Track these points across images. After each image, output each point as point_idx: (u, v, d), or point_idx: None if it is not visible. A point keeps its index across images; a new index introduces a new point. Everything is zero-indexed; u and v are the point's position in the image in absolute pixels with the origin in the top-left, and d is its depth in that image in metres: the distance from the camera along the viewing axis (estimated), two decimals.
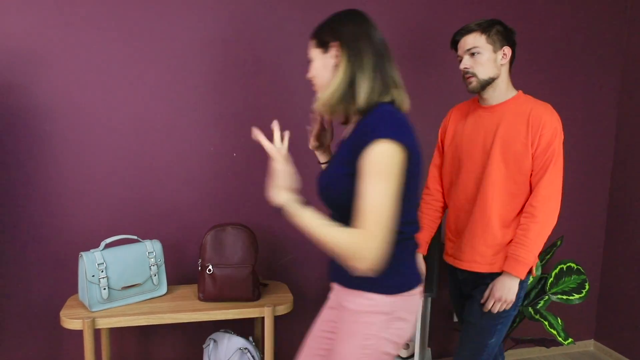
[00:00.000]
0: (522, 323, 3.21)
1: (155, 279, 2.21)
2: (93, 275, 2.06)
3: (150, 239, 2.51)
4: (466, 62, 1.87)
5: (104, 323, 2.05)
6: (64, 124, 2.35)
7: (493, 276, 1.93)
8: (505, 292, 1.86)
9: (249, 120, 2.55)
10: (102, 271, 2.07)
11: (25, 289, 2.40)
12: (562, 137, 1.88)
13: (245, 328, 2.70)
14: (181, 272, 2.58)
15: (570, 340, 2.45)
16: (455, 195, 2.01)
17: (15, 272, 2.38)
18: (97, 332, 2.58)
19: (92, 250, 2.10)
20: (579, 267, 2.79)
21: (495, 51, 1.84)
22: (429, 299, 2.62)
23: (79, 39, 2.32)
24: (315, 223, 1.33)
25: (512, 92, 1.90)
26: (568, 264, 2.79)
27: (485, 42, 1.83)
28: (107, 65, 2.36)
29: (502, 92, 1.89)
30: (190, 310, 2.15)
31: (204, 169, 2.54)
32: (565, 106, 3.04)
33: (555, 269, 2.78)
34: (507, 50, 1.84)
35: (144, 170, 2.46)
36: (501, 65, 1.85)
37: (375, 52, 1.37)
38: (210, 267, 2.22)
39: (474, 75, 1.86)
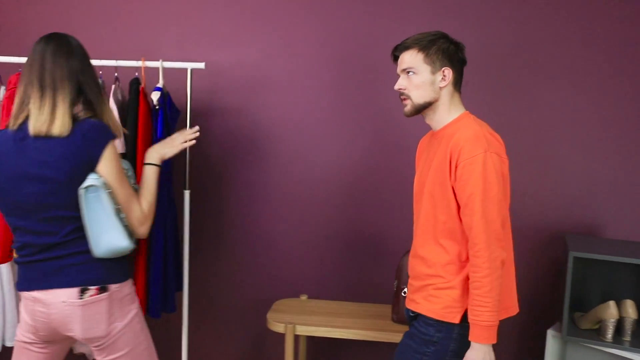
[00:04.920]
0: None
1: None
2: None
3: (345, 257, 2.61)
4: (401, 83, 1.66)
5: (303, 331, 2.19)
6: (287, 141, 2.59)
7: (415, 315, 1.72)
8: None
9: None
10: None
11: (238, 290, 2.69)
12: (495, 165, 1.53)
13: None
14: (377, 290, 2.64)
15: None
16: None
17: (229, 275, 2.69)
18: (296, 337, 2.76)
19: None
20: None
21: (434, 72, 1.62)
22: None
23: (299, 67, 2.54)
24: None
25: (454, 115, 1.66)
26: None
27: (423, 62, 1.61)
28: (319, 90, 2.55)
29: (444, 115, 1.67)
30: (383, 330, 2.18)
31: (401, 195, 2.57)
32: None
33: None
34: (448, 71, 1.62)
35: (348, 194, 2.59)
36: (440, 88, 1.63)
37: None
38: (405, 289, 2.22)
39: (408, 97, 1.65)
